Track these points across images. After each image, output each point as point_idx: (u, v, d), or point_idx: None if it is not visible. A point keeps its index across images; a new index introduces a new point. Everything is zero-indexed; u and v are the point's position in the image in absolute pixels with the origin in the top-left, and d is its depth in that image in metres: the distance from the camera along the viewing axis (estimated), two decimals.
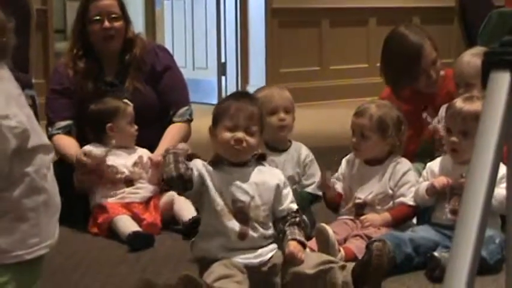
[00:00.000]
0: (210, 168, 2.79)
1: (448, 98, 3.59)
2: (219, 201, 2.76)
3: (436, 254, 2.95)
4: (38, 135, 2.04)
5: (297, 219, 2.83)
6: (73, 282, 3.01)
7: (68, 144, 3.87)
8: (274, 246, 2.82)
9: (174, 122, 4.01)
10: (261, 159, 2.88)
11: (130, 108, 3.80)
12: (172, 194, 3.70)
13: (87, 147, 3.76)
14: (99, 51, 4.01)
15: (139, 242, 3.42)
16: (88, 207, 3.75)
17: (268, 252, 2.80)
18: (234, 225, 2.75)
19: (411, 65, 3.87)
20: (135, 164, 3.79)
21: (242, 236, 2.76)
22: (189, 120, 4.07)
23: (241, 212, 2.77)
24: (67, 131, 3.94)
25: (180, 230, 3.58)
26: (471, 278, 0.94)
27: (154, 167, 3.75)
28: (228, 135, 2.78)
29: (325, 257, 2.84)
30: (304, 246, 2.78)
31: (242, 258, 2.75)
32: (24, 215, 1.96)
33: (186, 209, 3.61)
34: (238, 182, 2.79)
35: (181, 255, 3.27)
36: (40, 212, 2.02)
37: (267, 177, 2.85)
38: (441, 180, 3.18)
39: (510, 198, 0.96)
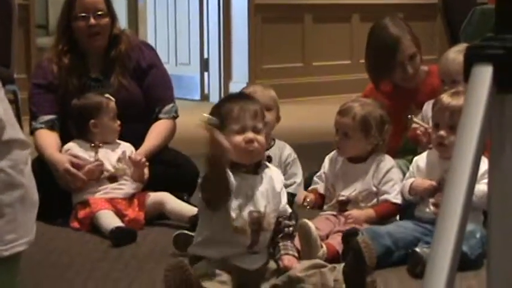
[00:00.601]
0: (231, 178, 2.69)
1: (432, 95, 3.60)
2: (236, 212, 2.71)
3: (417, 249, 2.95)
4: (14, 130, 2.01)
5: (291, 229, 2.83)
6: (54, 278, 2.99)
7: (48, 143, 3.84)
8: (267, 251, 2.82)
9: (160, 119, 4.00)
10: (268, 160, 2.87)
11: (112, 103, 3.78)
12: (161, 194, 3.69)
13: (73, 149, 3.73)
14: (84, 47, 3.99)
15: (122, 237, 3.41)
16: (69, 202, 3.72)
17: (263, 257, 2.79)
18: (248, 239, 2.73)
19: (387, 56, 3.87)
20: (119, 160, 3.77)
21: (252, 246, 2.75)
22: (175, 117, 4.06)
23: (255, 223, 2.73)
24: (50, 126, 3.91)
25: (184, 227, 3.48)
26: (452, 273, 0.94)
27: (135, 166, 3.73)
28: (238, 138, 2.74)
29: (316, 261, 2.84)
30: (297, 259, 2.79)
31: (239, 261, 2.73)
32: (1, 211, 1.94)
33: (183, 206, 3.60)
34: (254, 192, 2.75)
35: (163, 251, 3.27)
36: (16, 208, 2.00)
37: (274, 182, 2.82)
38: (422, 185, 3.18)
39: (492, 193, 0.96)
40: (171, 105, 4.05)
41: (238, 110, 2.78)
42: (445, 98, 3.21)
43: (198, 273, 2.65)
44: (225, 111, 2.80)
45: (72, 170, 3.66)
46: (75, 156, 3.73)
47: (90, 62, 4.01)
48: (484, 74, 0.95)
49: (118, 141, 3.83)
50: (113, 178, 3.74)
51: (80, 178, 3.66)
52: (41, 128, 3.89)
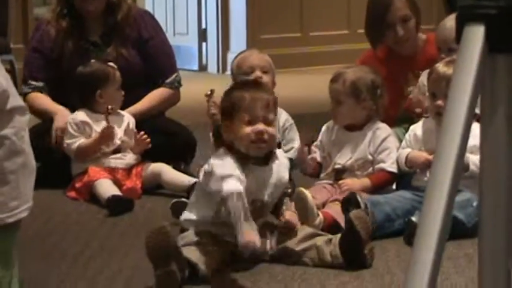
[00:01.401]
0: (238, 169, 2.66)
1: (430, 63, 3.58)
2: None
3: (413, 218, 2.95)
4: (15, 97, 2.02)
5: (289, 190, 2.85)
6: (50, 247, 3.00)
7: (48, 101, 3.88)
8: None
9: None
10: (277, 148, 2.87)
11: (118, 73, 3.77)
12: (159, 165, 3.69)
13: (80, 117, 3.72)
14: (80, 10, 3.99)
15: (118, 205, 3.41)
16: (67, 171, 3.72)
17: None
18: (248, 223, 2.69)
19: (379, 16, 3.90)
20: (125, 133, 3.76)
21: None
22: (177, 87, 4.07)
23: (257, 212, 2.73)
24: (39, 91, 3.93)
25: (181, 196, 3.46)
26: (442, 239, 0.93)
27: (137, 143, 3.72)
28: (247, 129, 2.69)
29: (308, 229, 2.84)
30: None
31: (232, 236, 2.70)
32: (5, 178, 1.95)
33: (179, 176, 3.61)
34: (260, 183, 2.73)
35: (160, 219, 3.26)
36: (19, 175, 2.01)
37: (281, 173, 2.80)
38: (419, 158, 3.17)
39: (483, 156, 0.96)
40: (174, 75, 4.07)
41: (250, 99, 2.71)
42: (441, 67, 3.20)
43: (185, 241, 2.65)
44: (236, 99, 2.73)
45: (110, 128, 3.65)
46: (82, 124, 3.71)
47: (89, 26, 4.00)
48: (476, 34, 0.93)
49: (120, 111, 3.81)
50: (117, 150, 3.74)
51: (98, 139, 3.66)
52: (28, 92, 3.92)
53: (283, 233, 2.78)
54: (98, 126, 3.70)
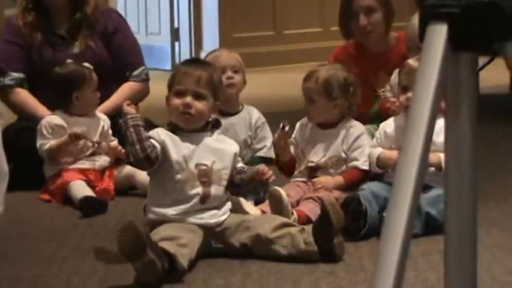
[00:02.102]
0: (171, 134, 2.80)
1: (401, 61, 3.60)
2: (182, 168, 2.77)
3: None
4: None
5: (245, 168, 2.93)
6: (24, 249, 2.98)
7: (35, 104, 3.90)
8: (228, 207, 2.84)
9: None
10: (215, 126, 2.89)
11: (95, 75, 3.75)
12: (132, 167, 3.68)
13: (54, 121, 3.69)
14: (47, 5, 4.02)
15: (91, 206, 3.40)
16: (39, 173, 3.70)
17: (224, 213, 2.82)
18: (197, 190, 2.77)
19: (346, 4, 3.99)
20: (100, 136, 3.75)
21: (204, 199, 2.79)
22: (145, 80, 4.11)
23: (204, 175, 2.79)
24: (19, 84, 3.97)
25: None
26: (407, 235, 0.94)
27: (112, 152, 3.72)
28: (177, 101, 2.81)
29: (281, 219, 2.86)
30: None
31: (197, 219, 2.76)
32: None
33: None
34: (200, 146, 2.82)
35: (133, 220, 3.26)
36: None
37: (225, 145, 2.90)
38: (391, 157, 3.17)
39: (448, 151, 0.97)
40: (141, 68, 4.11)
41: (183, 73, 2.86)
42: (412, 61, 3.22)
43: (158, 236, 2.66)
44: (174, 73, 2.91)
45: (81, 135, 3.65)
46: (57, 127, 3.69)
47: (55, 20, 4.03)
48: (439, 33, 0.94)
49: (96, 112, 3.80)
50: (92, 154, 3.72)
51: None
52: (11, 85, 3.93)
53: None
54: (72, 129, 3.69)
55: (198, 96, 2.83)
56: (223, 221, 2.82)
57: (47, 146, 3.64)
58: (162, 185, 2.81)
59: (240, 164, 2.95)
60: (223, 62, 3.46)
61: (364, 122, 3.51)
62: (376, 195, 3.08)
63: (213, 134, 2.88)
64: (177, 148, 2.79)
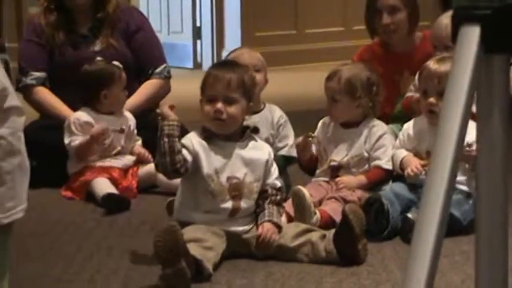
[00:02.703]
0: (205, 144, 2.77)
1: (426, 61, 3.59)
2: (213, 180, 2.75)
3: (409, 215, 2.95)
4: (12, 97, 2.01)
5: (278, 197, 2.84)
6: (46, 247, 2.99)
7: (58, 103, 3.91)
8: (253, 220, 2.83)
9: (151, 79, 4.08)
10: (253, 132, 2.87)
11: (124, 74, 3.76)
12: (153, 165, 3.69)
13: (82, 118, 3.70)
14: (69, 5, 4.03)
15: (114, 203, 3.41)
16: (62, 170, 3.71)
17: (251, 221, 2.81)
18: (227, 204, 2.76)
19: (370, 2, 4.00)
20: (126, 137, 3.76)
21: (234, 212, 2.77)
22: (167, 77, 4.12)
23: (235, 189, 2.77)
24: (42, 83, 3.99)
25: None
26: (439, 237, 0.94)
27: (141, 158, 3.74)
28: (208, 107, 2.78)
29: (302, 225, 2.85)
30: (279, 229, 2.79)
31: (225, 226, 2.76)
32: (1, 178, 1.94)
33: None
34: (233, 158, 2.78)
35: (156, 219, 3.26)
36: (15, 175, 2.00)
37: (259, 153, 2.85)
38: (411, 165, 3.15)
39: (480, 156, 0.96)
40: (163, 66, 4.13)
41: (213, 77, 2.81)
42: (432, 64, 3.19)
43: (184, 237, 2.66)
44: (204, 77, 2.86)
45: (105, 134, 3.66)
46: (86, 124, 3.70)
47: (77, 20, 4.05)
48: (472, 35, 0.94)
49: (123, 111, 3.81)
50: (118, 153, 3.74)
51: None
52: (33, 84, 3.95)
53: (257, 247, 2.78)
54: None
55: (229, 101, 2.78)
56: (250, 229, 2.81)
57: (76, 142, 3.65)
58: (193, 193, 2.79)
59: (274, 179, 2.87)
60: (244, 61, 3.45)
61: (387, 122, 3.50)
62: (398, 195, 3.07)
63: (249, 143, 2.84)
64: (209, 160, 2.75)
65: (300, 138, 3.35)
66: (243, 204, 2.78)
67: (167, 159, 2.69)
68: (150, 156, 3.69)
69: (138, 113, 3.86)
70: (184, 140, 2.76)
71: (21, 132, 2.01)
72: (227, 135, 2.81)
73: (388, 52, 4.00)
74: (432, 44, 3.71)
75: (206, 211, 2.76)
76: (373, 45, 4.10)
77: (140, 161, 3.74)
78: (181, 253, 2.49)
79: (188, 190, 2.81)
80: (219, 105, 2.77)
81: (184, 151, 2.72)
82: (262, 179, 2.83)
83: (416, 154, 3.19)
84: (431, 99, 3.13)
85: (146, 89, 4.04)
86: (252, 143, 2.85)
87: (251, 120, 3.38)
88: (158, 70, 4.09)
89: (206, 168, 2.75)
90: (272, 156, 2.90)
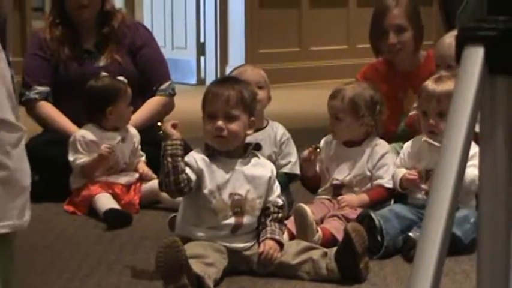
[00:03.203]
0: (208, 160, 2.77)
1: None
2: (215, 197, 2.75)
3: (411, 234, 2.95)
4: (3, 110, 1.97)
5: (280, 215, 2.84)
6: (47, 261, 2.99)
7: (61, 118, 3.91)
8: (255, 237, 2.83)
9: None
10: (256, 149, 2.88)
11: (129, 89, 3.76)
12: (156, 182, 3.69)
13: (87, 136, 3.70)
14: (75, 20, 4.04)
15: (116, 218, 3.41)
16: (65, 185, 3.71)
17: (253, 238, 2.81)
18: (230, 221, 2.75)
19: (377, 22, 3.98)
20: (131, 153, 3.76)
21: (236, 229, 2.77)
22: (172, 95, 4.12)
23: (238, 206, 2.76)
24: (45, 98, 3.99)
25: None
26: (442, 256, 0.94)
27: (143, 176, 3.75)
28: (209, 126, 2.79)
29: (304, 243, 2.84)
30: (281, 246, 2.78)
31: (226, 242, 2.76)
32: None
33: None
34: (235, 175, 2.78)
35: (158, 234, 3.26)
36: None
37: (261, 170, 2.85)
38: (410, 179, 3.16)
39: (482, 177, 0.96)
40: (168, 83, 4.13)
41: (212, 94, 2.82)
42: (430, 85, 3.20)
43: (187, 253, 2.66)
44: (205, 94, 2.86)
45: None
46: (91, 143, 3.70)
47: (83, 35, 4.06)
48: (476, 56, 0.94)
49: (127, 127, 3.80)
50: (122, 170, 3.75)
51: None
52: (36, 98, 3.96)
53: (259, 264, 2.78)
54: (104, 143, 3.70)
55: (229, 118, 2.79)
56: (251, 246, 2.81)
57: (82, 161, 3.65)
58: (195, 209, 2.79)
59: (276, 196, 2.86)
60: (247, 78, 3.45)
61: (390, 141, 3.50)
62: (398, 215, 3.08)
63: (251, 160, 2.84)
64: (212, 176, 2.76)
65: (306, 152, 3.34)
66: (245, 220, 2.78)
67: (171, 179, 2.69)
68: (153, 174, 3.69)
69: (141, 129, 3.87)
70: (187, 158, 2.76)
71: (12, 147, 1.96)
72: (229, 151, 2.81)
73: (392, 70, 4.01)
74: (435, 63, 3.72)
75: (208, 227, 2.76)
76: (377, 63, 4.10)
77: (143, 179, 3.75)
78: (184, 269, 2.49)
79: (190, 206, 2.81)
80: (220, 122, 2.77)
81: (188, 170, 2.73)
82: (264, 196, 2.82)
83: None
84: (432, 121, 3.15)
85: (151, 105, 4.04)
86: (254, 160, 2.85)
87: (254, 137, 3.38)
88: (163, 87, 4.09)
89: (209, 184, 2.75)
90: (275, 173, 2.90)
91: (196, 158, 2.77)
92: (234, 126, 2.79)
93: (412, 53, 3.99)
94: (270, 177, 2.85)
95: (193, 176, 2.73)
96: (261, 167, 2.86)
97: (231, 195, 2.76)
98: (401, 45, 3.93)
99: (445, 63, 3.60)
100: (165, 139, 2.73)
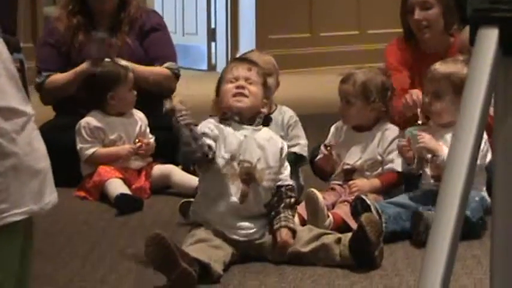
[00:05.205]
0: (222, 126, 2.78)
1: None
2: (227, 163, 2.75)
3: (419, 210, 2.97)
4: (5, 98, 1.96)
5: (292, 200, 2.84)
6: (59, 246, 3.00)
7: (69, 72, 3.94)
8: (265, 222, 2.82)
9: None
10: (265, 122, 2.88)
11: (131, 74, 3.76)
12: (168, 167, 3.71)
13: (91, 123, 3.70)
14: (93, 8, 4.06)
15: (127, 204, 3.41)
16: (77, 170, 3.71)
17: (261, 228, 2.80)
18: (237, 186, 2.75)
19: (403, 1, 3.90)
20: (137, 137, 3.76)
21: (243, 197, 2.75)
22: (175, 74, 4.08)
23: (247, 173, 2.77)
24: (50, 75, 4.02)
25: (190, 196, 3.47)
26: (455, 238, 0.94)
27: (146, 147, 3.75)
28: (230, 85, 2.82)
29: (316, 230, 2.84)
30: (294, 234, 2.78)
31: (235, 234, 2.75)
32: None
33: (189, 178, 3.59)
34: (247, 141, 2.79)
35: (169, 219, 3.27)
36: (9, 177, 1.95)
37: (273, 141, 2.86)
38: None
39: (497, 157, 0.96)
40: (173, 62, 4.10)
41: (235, 64, 2.92)
42: (436, 65, 3.23)
43: (194, 238, 2.66)
44: (224, 68, 2.93)
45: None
46: (96, 130, 3.71)
47: (98, 21, 4.07)
48: (490, 37, 0.94)
49: (133, 111, 3.80)
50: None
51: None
52: (44, 81, 3.98)
53: (273, 253, 2.78)
54: (110, 131, 3.70)
55: (250, 81, 2.84)
56: (262, 234, 2.81)
57: (90, 151, 3.66)
58: (207, 182, 2.80)
59: (287, 174, 2.87)
60: None
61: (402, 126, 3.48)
62: (403, 205, 3.07)
63: (263, 130, 2.86)
64: (225, 142, 2.76)
65: (321, 155, 3.33)
66: (253, 189, 2.77)
67: (193, 146, 2.67)
68: (152, 141, 3.71)
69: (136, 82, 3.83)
70: (202, 128, 2.75)
71: (16, 133, 1.95)
72: (243, 119, 2.81)
73: (419, 54, 3.91)
74: (458, 49, 3.68)
75: (217, 196, 2.75)
76: (397, 48, 4.00)
77: (153, 158, 3.74)
78: (177, 256, 2.48)
79: (203, 180, 2.83)
80: (242, 81, 2.83)
81: (205, 139, 2.72)
82: (275, 168, 2.82)
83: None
84: (426, 99, 3.22)
85: (153, 69, 4.02)
86: (266, 130, 2.87)
87: None
88: (167, 64, 4.06)
89: (222, 150, 2.75)
90: (286, 147, 2.90)
91: (210, 125, 2.78)
92: (254, 88, 2.84)
93: (441, 33, 3.90)
94: (281, 148, 2.86)
95: (212, 143, 2.73)
96: (272, 138, 2.87)
97: (240, 162, 2.77)
98: (427, 21, 3.85)
99: (467, 48, 3.57)
100: (173, 114, 2.72)
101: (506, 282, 0.99)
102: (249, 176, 2.77)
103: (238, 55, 7.58)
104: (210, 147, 2.71)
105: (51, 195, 2.02)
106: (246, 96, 2.81)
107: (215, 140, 2.75)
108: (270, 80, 3.43)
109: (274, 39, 7.71)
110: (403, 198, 3.15)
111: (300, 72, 7.41)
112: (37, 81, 4.01)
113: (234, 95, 2.80)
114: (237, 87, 2.81)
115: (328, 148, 3.32)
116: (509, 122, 0.95)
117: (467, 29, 3.67)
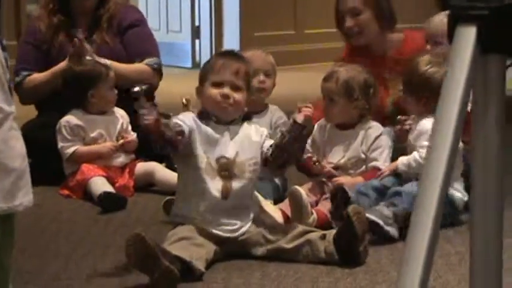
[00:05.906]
0: (199, 122, 2.77)
1: (399, 61, 3.62)
2: (204, 161, 2.75)
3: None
4: None
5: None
6: (43, 245, 2.99)
7: (47, 71, 3.94)
8: (250, 217, 2.82)
9: None
10: (246, 119, 2.87)
11: (112, 72, 3.76)
12: (152, 164, 3.70)
13: (72, 121, 3.70)
14: (74, 7, 4.05)
15: (111, 202, 3.41)
16: (59, 168, 3.71)
17: (245, 224, 2.80)
18: (217, 183, 2.74)
19: (336, 6, 3.92)
20: (119, 135, 3.75)
21: (225, 193, 2.75)
22: (155, 69, 4.05)
23: (225, 169, 2.76)
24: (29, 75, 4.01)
25: (173, 194, 3.48)
26: (435, 235, 0.94)
27: (126, 146, 3.74)
28: (214, 91, 2.78)
29: (300, 227, 2.83)
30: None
31: (218, 230, 2.75)
32: None
33: (172, 176, 3.58)
34: (223, 140, 2.78)
35: (153, 217, 3.27)
36: None
37: (251, 133, 2.84)
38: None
39: (474, 153, 0.96)
40: (154, 58, 4.07)
41: (221, 64, 2.82)
42: (422, 68, 3.23)
43: (176, 237, 2.66)
44: (210, 64, 2.86)
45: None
46: (77, 128, 3.70)
47: (78, 20, 4.06)
48: (468, 35, 0.94)
49: (114, 110, 3.80)
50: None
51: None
52: (22, 80, 3.97)
53: (273, 232, 2.78)
54: (91, 129, 3.70)
55: (235, 88, 2.80)
56: (245, 232, 2.80)
57: (71, 149, 3.66)
58: (186, 180, 2.80)
59: (268, 142, 2.85)
60: (257, 64, 3.44)
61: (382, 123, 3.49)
62: (377, 188, 3.09)
63: (242, 125, 2.84)
64: (201, 138, 2.75)
65: (305, 156, 3.34)
66: (234, 184, 2.76)
67: (163, 129, 2.62)
68: (135, 137, 3.72)
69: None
70: (179, 116, 2.75)
71: None
72: (222, 119, 2.81)
73: (365, 57, 3.90)
74: (425, 39, 3.69)
75: (198, 196, 2.74)
76: (352, 51, 4.01)
77: (136, 155, 3.74)
78: (159, 255, 2.47)
79: (181, 180, 2.82)
80: (227, 90, 2.78)
81: (178, 122, 2.71)
82: (257, 157, 2.82)
83: None
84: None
85: (132, 66, 4.00)
86: (245, 124, 2.86)
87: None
88: (148, 60, 4.03)
89: (199, 147, 2.74)
90: (266, 133, 2.89)
91: (187, 117, 2.77)
92: (239, 96, 2.80)
93: (378, 35, 3.89)
94: (261, 135, 2.85)
95: (185, 128, 2.71)
96: (251, 130, 2.86)
97: (218, 158, 2.76)
98: (359, 27, 3.86)
99: (433, 39, 3.59)
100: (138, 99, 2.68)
101: (486, 278, 1.00)
102: (228, 172, 2.77)
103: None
104: (180, 126, 2.69)
105: (24, 197, 1.99)
106: (230, 105, 2.79)
107: (191, 131, 2.73)
108: (268, 82, 3.44)
109: (258, 37, 7.72)
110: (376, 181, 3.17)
111: (284, 69, 7.40)
112: (16, 80, 3.97)
113: (218, 103, 2.79)
114: (222, 96, 2.77)
115: (316, 162, 3.31)
116: (488, 119, 0.95)
117: (432, 20, 3.70)
